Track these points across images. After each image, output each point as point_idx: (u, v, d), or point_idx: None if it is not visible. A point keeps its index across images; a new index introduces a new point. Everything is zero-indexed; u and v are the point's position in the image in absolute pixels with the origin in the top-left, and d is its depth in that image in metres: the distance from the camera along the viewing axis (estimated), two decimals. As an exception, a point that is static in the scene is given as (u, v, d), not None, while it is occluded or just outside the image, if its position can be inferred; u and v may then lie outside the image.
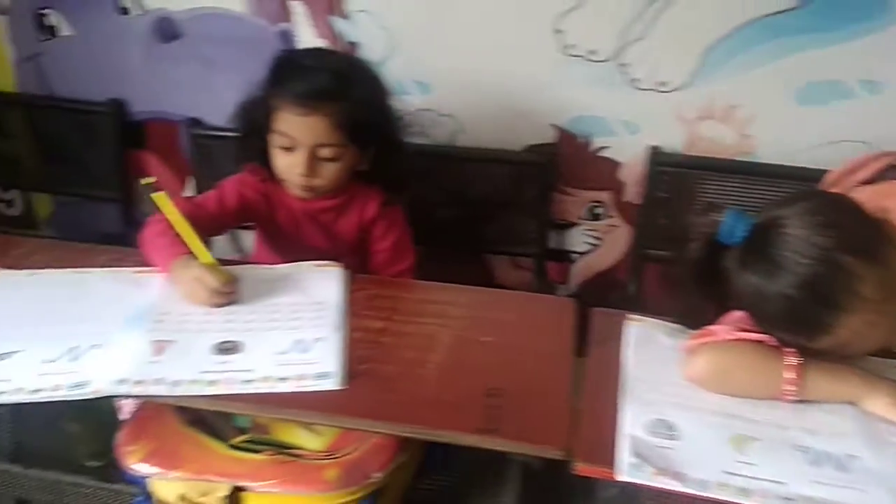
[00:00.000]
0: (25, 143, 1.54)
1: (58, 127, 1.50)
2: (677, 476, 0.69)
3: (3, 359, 0.81)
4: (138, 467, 0.87)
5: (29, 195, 1.65)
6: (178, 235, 0.95)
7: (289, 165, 1.01)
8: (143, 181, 0.93)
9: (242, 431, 0.92)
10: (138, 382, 0.77)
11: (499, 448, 0.73)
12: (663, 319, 0.91)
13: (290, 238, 1.14)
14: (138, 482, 0.89)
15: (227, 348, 0.84)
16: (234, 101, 1.44)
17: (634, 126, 1.31)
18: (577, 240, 1.46)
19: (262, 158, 1.05)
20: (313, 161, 1.00)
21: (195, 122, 1.45)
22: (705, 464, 0.70)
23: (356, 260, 1.11)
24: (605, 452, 0.71)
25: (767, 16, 1.18)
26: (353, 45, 1.35)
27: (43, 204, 1.66)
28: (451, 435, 0.73)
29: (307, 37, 1.36)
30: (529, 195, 1.39)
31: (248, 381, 0.79)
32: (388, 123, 1.06)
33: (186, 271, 0.91)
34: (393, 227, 1.16)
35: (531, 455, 0.73)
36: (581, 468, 0.70)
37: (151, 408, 0.93)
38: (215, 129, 1.43)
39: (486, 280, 1.52)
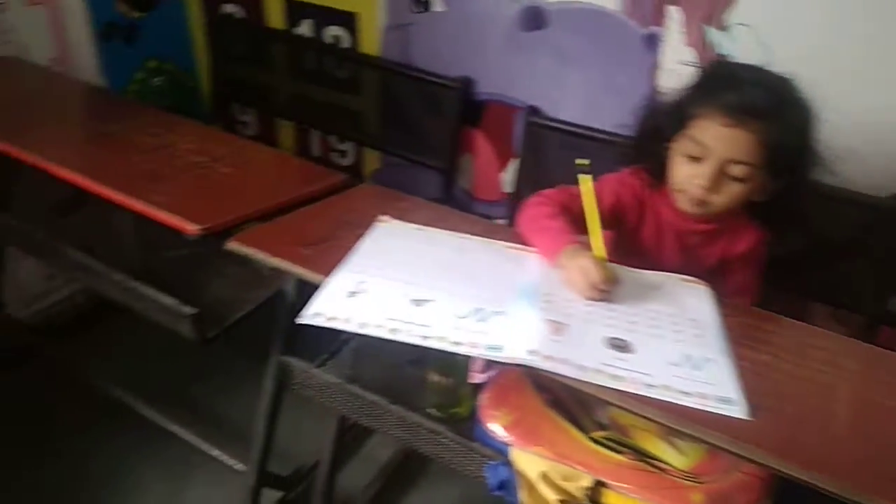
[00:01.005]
0: (373, 103, 1.69)
1: (406, 94, 1.63)
2: None
3: (420, 305, 0.88)
4: (500, 433, 0.91)
5: (362, 150, 1.81)
6: (568, 221, 0.98)
7: (690, 176, 0.98)
8: (579, 161, 0.96)
9: (601, 427, 0.93)
10: (547, 357, 0.79)
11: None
12: None
13: (644, 249, 1.11)
14: (494, 446, 0.93)
15: (619, 345, 0.84)
16: (578, 96, 1.48)
17: None
18: (925, 309, 1.30)
19: (653, 164, 1.04)
20: (719, 176, 0.96)
21: (533, 111, 1.49)
22: None
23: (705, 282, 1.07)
24: None
25: None
26: (721, 56, 1.30)
27: (371, 160, 1.82)
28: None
29: (675, 44, 1.33)
30: (883, 248, 1.25)
31: (650, 386, 0.78)
32: (808, 159, 0.98)
33: (575, 260, 0.93)
34: (752, 262, 1.10)
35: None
36: None
37: (511, 378, 0.97)
38: (552, 120, 1.47)
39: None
